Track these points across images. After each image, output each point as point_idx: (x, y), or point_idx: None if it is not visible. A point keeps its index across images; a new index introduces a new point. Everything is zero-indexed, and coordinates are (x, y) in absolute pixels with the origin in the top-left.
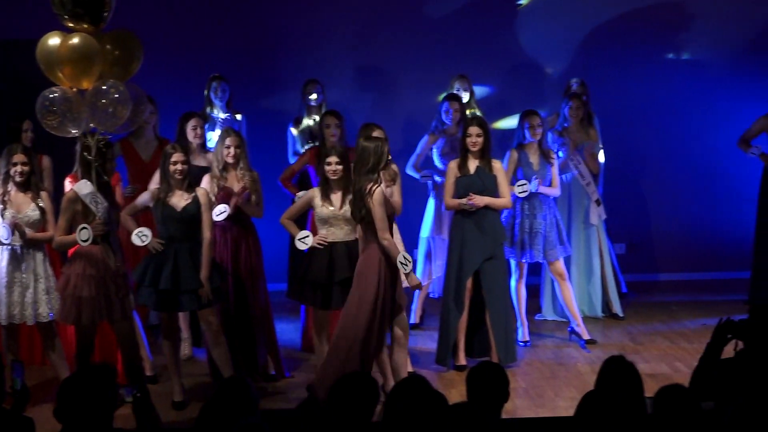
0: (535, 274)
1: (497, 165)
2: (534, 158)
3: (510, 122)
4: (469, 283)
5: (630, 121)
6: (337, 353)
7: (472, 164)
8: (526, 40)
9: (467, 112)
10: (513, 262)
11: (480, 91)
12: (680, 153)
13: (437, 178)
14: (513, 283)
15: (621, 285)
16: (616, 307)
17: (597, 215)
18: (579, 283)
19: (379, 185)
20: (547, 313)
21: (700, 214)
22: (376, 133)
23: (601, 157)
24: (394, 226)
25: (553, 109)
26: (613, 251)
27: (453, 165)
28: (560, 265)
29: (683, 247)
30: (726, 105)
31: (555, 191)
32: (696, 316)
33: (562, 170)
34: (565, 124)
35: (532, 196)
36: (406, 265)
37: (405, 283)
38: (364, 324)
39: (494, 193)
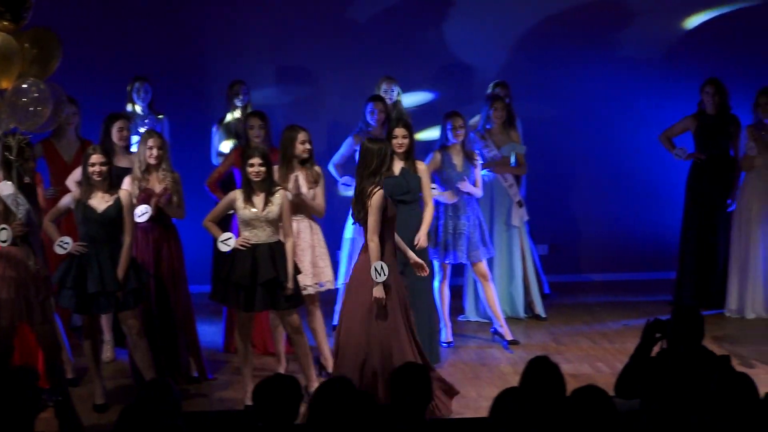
0: (458, 275)
1: (422, 166)
2: (457, 159)
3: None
4: None
5: (552, 122)
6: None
7: (397, 166)
8: (454, 41)
9: (402, 112)
10: (436, 264)
11: (407, 91)
12: (603, 153)
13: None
14: (436, 284)
15: (543, 286)
16: (539, 308)
17: (519, 217)
18: (502, 284)
19: (380, 188)
20: (470, 314)
21: (622, 215)
22: (301, 135)
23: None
24: (398, 239)
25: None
26: (535, 252)
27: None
28: (483, 266)
29: (606, 247)
30: (649, 105)
31: (478, 191)
32: (618, 317)
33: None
34: (488, 126)
35: (459, 197)
36: (379, 274)
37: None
38: (391, 327)
39: (417, 194)
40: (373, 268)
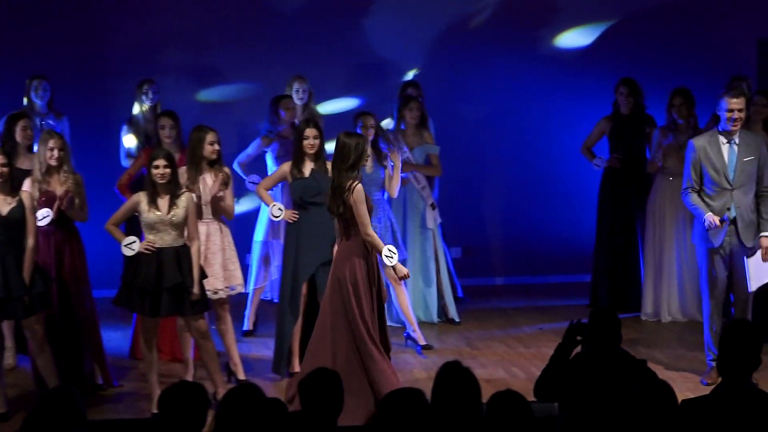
0: None
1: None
2: (368, 160)
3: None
4: (304, 288)
5: (467, 122)
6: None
7: (307, 167)
8: (368, 40)
9: (316, 113)
10: None
11: (321, 93)
12: (518, 154)
13: None
14: None
15: (457, 289)
16: (453, 312)
17: (432, 219)
18: (415, 287)
19: (358, 182)
20: None
21: (537, 217)
22: (209, 136)
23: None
24: None
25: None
26: (449, 255)
27: (286, 168)
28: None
29: (521, 250)
30: (565, 105)
31: (394, 190)
32: (533, 321)
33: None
34: (401, 126)
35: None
36: (391, 257)
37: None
38: (360, 329)
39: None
40: (384, 256)
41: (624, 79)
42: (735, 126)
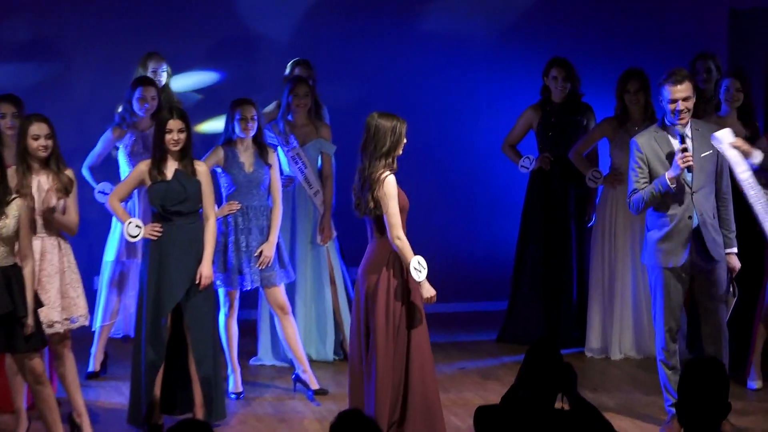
0: (249, 305)
1: (202, 168)
2: (246, 157)
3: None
4: (168, 319)
5: (366, 113)
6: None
7: (170, 167)
8: (242, 10)
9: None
10: (221, 292)
11: (180, 71)
12: (431, 152)
13: None
14: (222, 318)
15: None
16: None
17: None
18: (306, 317)
19: (392, 173)
20: (265, 357)
21: (454, 231)
22: (33, 128)
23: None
24: None
25: (275, 97)
26: (348, 277)
27: (143, 167)
28: (281, 294)
29: (437, 271)
30: (488, 92)
31: (276, 204)
32: (452, 359)
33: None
34: (289, 117)
35: (247, 205)
36: (420, 271)
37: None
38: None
39: (198, 203)
40: (411, 269)
41: (555, 60)
42: (682, 119)
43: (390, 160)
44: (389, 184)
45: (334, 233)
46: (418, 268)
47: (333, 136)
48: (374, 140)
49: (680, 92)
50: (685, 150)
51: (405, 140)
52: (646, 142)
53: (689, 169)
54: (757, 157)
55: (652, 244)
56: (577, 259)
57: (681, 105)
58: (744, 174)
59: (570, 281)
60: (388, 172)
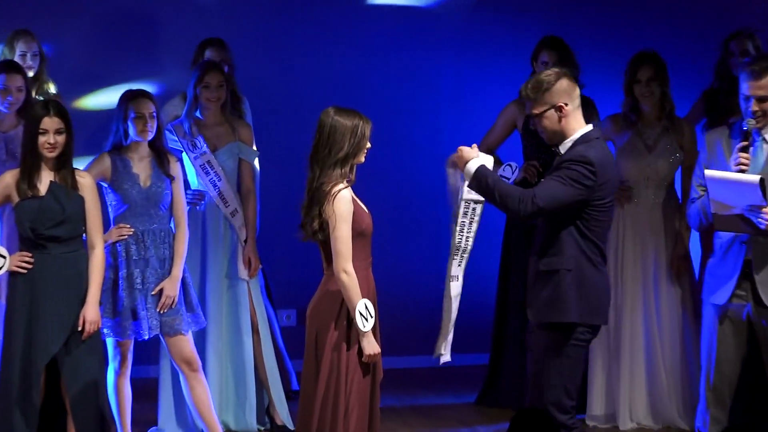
0: (148, 360)
1: (86, 180)
2: (142, 168)
3: (104, 99)
4: (42, 378)
5: (294, 110)
6: None
7: (44, 179)
8: None
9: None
10: (110, 343)
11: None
12: (386, 162)
13: None
14: (111, 376)
15: (291, 378)
16: (284, 416)
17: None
18: (220, 375)
19: (349, 185)
20: (167, 425)
21: (423, 262)
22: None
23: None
24: None
25: (178, 87)
26: (276, 323)
27: (8, 179)
28: (188, 345)
29: (386, 315)
30: (460, 83)
31: (181, 228)
32: (410, 427)
33: None
34: (197, 115)
35: (143, 230)
36: (367, 319)
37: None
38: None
39: (79, 227)
40: (356, 314)
41: (546, 40)
42: (758, 122)
43: (347, 168)
44: (341, 201)
45: (260, 266)
46: (364, 314)
47: (256, 139)
48: (328, 143)
49: (758, 89)
50: (744, 150)
51: (368, 145)
52: (714, 139)
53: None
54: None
55: (707, 273)
56: None
57: (755, 105)
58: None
59: None
60: (342, 185)
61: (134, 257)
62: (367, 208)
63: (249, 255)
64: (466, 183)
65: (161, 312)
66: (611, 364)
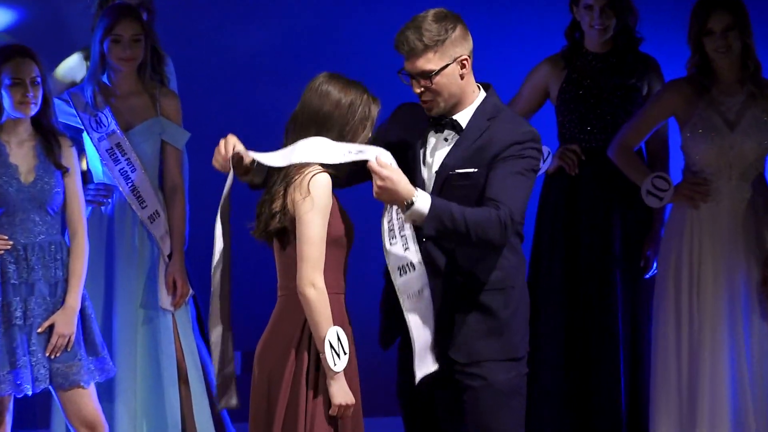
0: (32, 425)
1: None
2: (21, 157)
3: None
4: None
5: (241, 75)
6: None
7: None
8: None
9: None
10: None
11: None
12: None
13: None
14: None
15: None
16: None
17: (169, 292)
18: None
19: (332, 175)
20: None
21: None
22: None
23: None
24: None
25: (77, 41)
26: (211, 368)
27: None
28: (90, 401)
29: (362, 357)
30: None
31: (78, 238)
32: None
33: None
34: (104, 79)
35: (25, 243)
36: (339, 355)
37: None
38: None
39: None
40: (325, 346)
41: None
42: None
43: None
44: (318, 185)
45: (191, 291)
46: (336, 347)
47: (186, 115)
48: (315, 121)
49: None
50: None
51: (369, 134)
52: None
53: None
54: None
55: None
56: (625, 329)
57: None
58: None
59: (614, 366)
60: (320, 169)
61: (13, 281)
62: (349, 217)
63: (174, 276)
64: (409, 228)
65: (52, 357)
66: (682, 404)
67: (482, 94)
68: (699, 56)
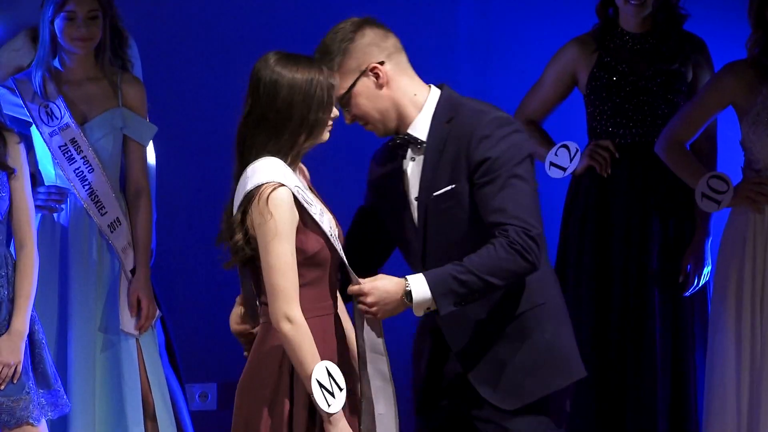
0: None
1: None
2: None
3: None
4: None
5: (213, 56)
6: None
7: None
8: None
9: None
10: None
11: None
12: (366, 139)
13: None
14: None
15: None
16: None
17: (132, 313)
18: None
19: (281, 185)
20: None
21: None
22: None
23: (150, 157)
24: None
25: (24, 19)
26: (184, 406)
27: None
28: None
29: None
30: (477, 20)
31: (25, 250)
32: None
33: None
34: (55, 63)
35: None
36: (333, 393)
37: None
38: None
39: None
40: (312, 385)
41: None
42: None
43: (296, 152)
44: (277, 203)
45: (158, 312)
46: (327, 384)
47: (153, 106)
48: (266, 111)
49: None
50: None
51: (334, 113)
52: None
53: None
54: None
55: None
56: (663, 354)
57: None
58: None
59: (652, 398)
60: (276, 183)
61: None
62: (337, 221)
63: (138, 295)
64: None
65: None
66: (736, 389)
67: (434, 94)
68: (763, 33)
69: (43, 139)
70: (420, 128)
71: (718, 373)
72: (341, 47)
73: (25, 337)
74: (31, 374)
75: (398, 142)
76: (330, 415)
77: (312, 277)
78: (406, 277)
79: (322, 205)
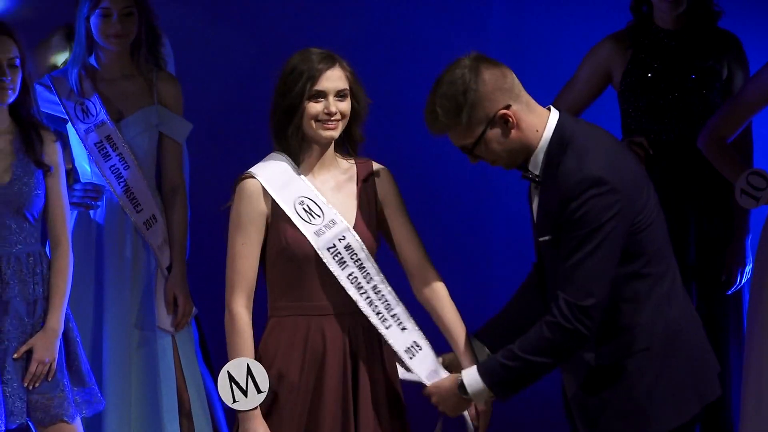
0: None
1: None
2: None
3: None
4: None
5: (245, 55)
6: None
7: None
8: None
9: None
10: None
11: None
12: (395, 138)
13: None
14: None
15: None
16: None
17: (169, 312)
18: None
19: (250, 175)
20: None
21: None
22: None
23: None
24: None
25: (60, 18)
26: (219, 403)
27: None
28: None
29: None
30: (509, 18)
31: (60, 249)
32: None
33: None
34: (92, 60)
35: (4, 253)
36: (242, 390)
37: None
38: None
39: None
40: (222, 373)
41: None
42: None
43: (295, 148)
44: (239, 194)
45: (194, 309)
46: (240, 381)
47: (188, 105)
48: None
49: None
50: None
51: (315, 108)
52: None
53: None
54: None
55: None
56: None
57: None
58: None
59: None
60: (250, 174)
61: None
62: (374, 235)
63: (175, 292)
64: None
65: (30, 387)
66: None
67: (551, 124)
68: None
69: (79, 137)
70: (537, 163)
71: (755, 371)
72: (467, 99)
73: (60, 335)
74: (65, 372)
75: (522, 174)
76: (238, 412)
77: (290, 273)
78: (462, 371)
79: (341, 210)
